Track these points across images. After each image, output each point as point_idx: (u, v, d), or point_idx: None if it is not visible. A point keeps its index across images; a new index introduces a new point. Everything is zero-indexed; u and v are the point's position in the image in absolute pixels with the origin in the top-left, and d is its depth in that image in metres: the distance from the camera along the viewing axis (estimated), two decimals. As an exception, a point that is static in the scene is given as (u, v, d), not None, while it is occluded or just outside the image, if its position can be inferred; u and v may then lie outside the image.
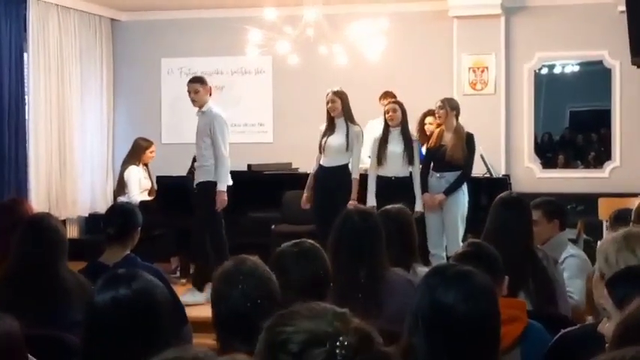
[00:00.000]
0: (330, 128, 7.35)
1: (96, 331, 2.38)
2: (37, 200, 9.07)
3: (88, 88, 10.30)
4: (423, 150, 7.54)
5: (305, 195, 7.50)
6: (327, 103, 7.33)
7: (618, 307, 2.21)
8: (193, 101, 7.37)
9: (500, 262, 3.06)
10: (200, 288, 7.06)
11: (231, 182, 7.42)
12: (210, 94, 7.48)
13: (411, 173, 7.27)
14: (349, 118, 7.34)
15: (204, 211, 7.27)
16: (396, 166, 7.26)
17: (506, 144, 9.80)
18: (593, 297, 3.97)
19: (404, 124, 7.35)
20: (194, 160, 8.96)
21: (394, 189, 7.02)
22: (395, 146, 7.28)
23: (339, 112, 7.30)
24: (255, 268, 2.67)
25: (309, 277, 3.04)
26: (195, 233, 7.35)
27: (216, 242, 7.24)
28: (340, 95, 7.32)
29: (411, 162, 7.25)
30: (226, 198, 7.26)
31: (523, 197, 4.41)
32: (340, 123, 7.33)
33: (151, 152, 8.87)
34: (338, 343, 1.48)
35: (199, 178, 7.38)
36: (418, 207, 7.11)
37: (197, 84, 7.36)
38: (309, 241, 3.25)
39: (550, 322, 3.10)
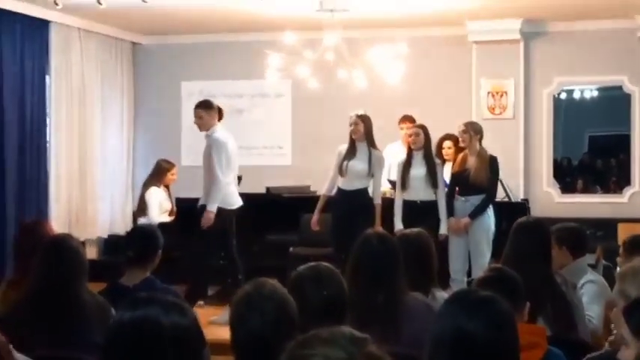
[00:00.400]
0: (352, 151, 7.37)
1: (114, 353, 2.37)
2: (57, 221, 9.11)
3: (109, 110, 10.38)
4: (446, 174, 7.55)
5: (315, 217, 7.51)
6: (350, 125, 7.36)
7: (635, 336, 2.21)
8: (198, 126, 7.47)
9: (521, 288, 3.05)
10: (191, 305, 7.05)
11: (237, 204, 7.50)
12: (220, 118, 7.55)
13: (436, 197, 7.27)
14: (371, 142, 7.36)
15: (206, 234, 7.30)
16: (419, 190, 7.27)
17: (525, 168, 9.78)
18: (610, 322, 3.97)
19: (427, 148, 7.37)
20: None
21: (419, 213, 7.04)
22: (418, 170, 7.29)
23: (361, 135, 7.33)
24: (274, 291, 2.66)
25: (325, 300, 3.04)
26: (193, 253, 7.40)
27: (228, 261, 7.36)
28: (364, 119, 7.36)
29: (434, 185, 7.25)
30: (212, 218, 7.26)
31: (541, 221, 4.40)
32: (362, 147, 7.35)
33: (172, 174, 8.92)
34: None
35: (202, 200, 7.45)
36: (443, 230, 7.13)
37: (200, 109, 7.45)
38: (325, 263, 3.25)
39: (570, 348, 3.09)
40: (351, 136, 7.39)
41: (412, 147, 7.36)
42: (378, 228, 6.93)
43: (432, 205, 7.23)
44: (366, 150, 7.33)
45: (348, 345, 1.55)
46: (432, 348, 2.20)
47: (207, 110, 7.46)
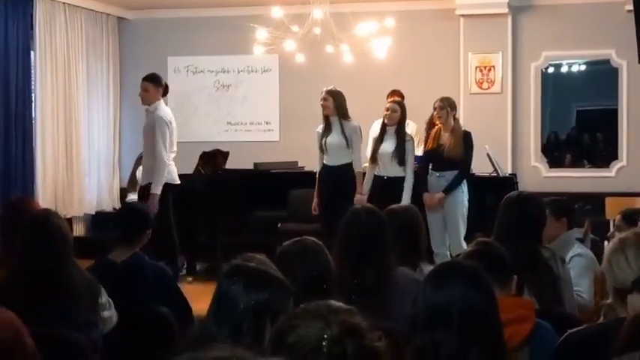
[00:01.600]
0: (327, 128, 7.39)
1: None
2: (44, 198, 9.08)
3: (95, 86, 10.32)
4: (420, 152, 7.55)
5: (315, 200, 7.49)
6: (320, 101, 7.36)
7: None
8: (142, 99, 7.30)
9: (508, 261, 3.05)
10: None
11: (175, 182, 7.28)
12: (164, 95, 7.40)
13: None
14: (342, 115, 7.34)
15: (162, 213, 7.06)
16: (387, 166, 7.28)
17: (512, 143, 9.79)
18: (600, 296, 3.98)
19: (400, 124, 7.35)
20: (200, 158, 9.00)
21: (386, 188, 7.05)
22: (388, 145, 7.29)
23: (332, 110, 7.33)
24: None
25: (311, 274, 3.04)
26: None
27: (165, 245, 6.94)
28: (333, 94, 7.34)
29: (401, 163, 7.24)
30: (156, 202, 7.01)
31: (532, 195, 4.40)
32: (335, 121, 7.35)
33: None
34: (326, 336, 1.58)
35: (146, 179, 7.25)
36: (404, 202, 7.10)
37: (148, 82, 7.29)
38: (311, 238, 3.25)
39: (557, 322, 3.09)
40: (323, 113, 7.37)
41: (386, 122, 7.35)
42: (359, 196, 7.01)
43: (398, 181, 7.22)
44: (338, 124, 7.32)
45: (328, 315, 1.63)
46: (431, 318, 2.22)
47: (155, 84, 7.29)
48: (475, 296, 2.24)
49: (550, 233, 4.47)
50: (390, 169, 7.28)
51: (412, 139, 7.47)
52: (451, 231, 7.14)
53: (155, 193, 7.05)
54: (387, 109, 7.38)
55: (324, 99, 7.34)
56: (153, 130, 7.16)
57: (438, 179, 7.20)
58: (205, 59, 10.62)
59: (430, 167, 7.29)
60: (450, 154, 7.11)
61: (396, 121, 7.32)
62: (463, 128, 7.30)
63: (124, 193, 9.69)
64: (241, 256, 2.73)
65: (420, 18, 9.90)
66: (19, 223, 3.95)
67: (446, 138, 7.17)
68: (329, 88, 7.42)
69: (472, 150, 7.28)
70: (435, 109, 7.22)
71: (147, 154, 7.30)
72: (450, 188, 7.11)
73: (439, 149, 7.17)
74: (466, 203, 7.17)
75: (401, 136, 7.30)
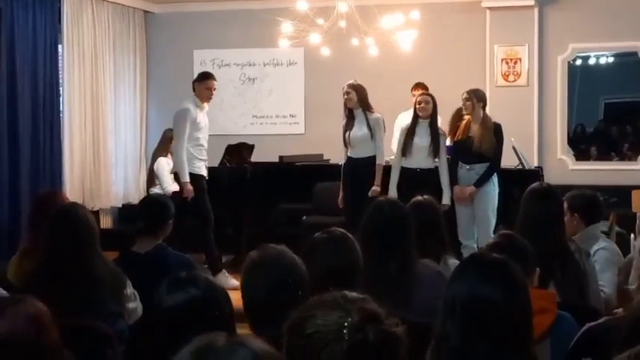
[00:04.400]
0: (350, 121, 7.41)
1: (167, 332, 2.36)
2: (72, 191, 9.16)
3: (122, 79, 10.39)
4: (448, 142, 7.51)
5: (341, 194, 7.50)
6: (344, 95, 7.37)
7: None
8: (208, 98, 7.65)
9: (530, 254, 3.05)
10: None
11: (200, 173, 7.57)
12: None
13: (437, 166, 7.24)
14: (366, 107, 7.37)
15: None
16: (421, 158, 7.24)
17: (539, 136, 9.73)
18: (622, 289, 3.96)
19: (433, 117, 7.32)
20: (226, 151, 9.03)
21: (419, 180, 7.02)
22: (422, 138, 7.25)
23: (355, 102, 7.35)
24: (279, 256, 2.67)
25: (340, 265, 3.06)
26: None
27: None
28: (355, 87, 7.38)
29: (436, 154, 7.22)
30: (190, 188, 7.43)
31: (554, 188, 4.38)
32: (359, 114, 7.37)
33: (180, 144, 8.91)
34: (346, 324, 1.59)
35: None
36: (446, 200, 7.09)
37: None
38: (340, 229, 3.26)
39: (580, 314, 3.09)
40: (346, 106, 7.39)
41: (420, 114, 7.30)
42: (377, 188, 7.02)
43: (431, 173, 7.20)
44: (363, 116, 7.35)
45: (345, 303, 1.63)
46: (444, 312, 2.21)
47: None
48: (482, 288, 2.19)
49: (567, 228, 4.42)
50: (422, 161, 7.25)
51: (444, 132, 7.44)
52: (480, 224, 7.08)
53: (183, 180, 7.41)
54: (420, 102, 7.34)
55: (347, 92, 7.37)
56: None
57: (468, 172, 7.15)
58: (231, 52, 10.66)
59: (459, 159, 7.26)
60: (480, 146, 7.06)
61: (429, 114, 7.28)
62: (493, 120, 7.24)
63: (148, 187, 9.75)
64: (260, 246, 2.75)
65: (446, 10, 9.86)
66: (47, 215, 4.00)
67: (475, 130, 7.13)
68: (350, 82, 7.43)
69: (502, 143, 7.24)
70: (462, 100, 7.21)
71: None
72: (482, 181, 7.07)
73: (468, 141, 7.12)
74: (497, 196, 7.12)
75: (434, 129, 7.28)
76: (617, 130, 10.25)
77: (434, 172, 7.22)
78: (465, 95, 7.17)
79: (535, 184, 4.44)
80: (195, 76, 8.05)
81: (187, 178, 7.40)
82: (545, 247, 3.75)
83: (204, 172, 7.64)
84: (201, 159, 7.58)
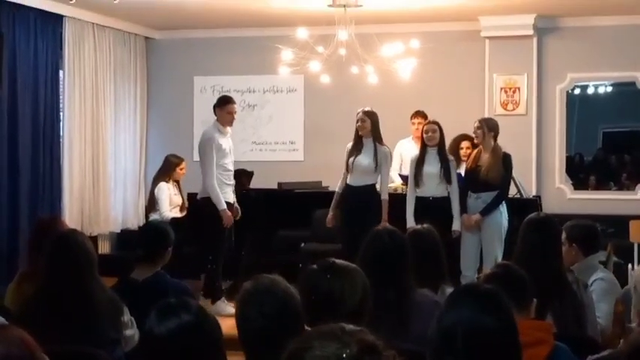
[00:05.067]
0: (358, 148, 7.38)
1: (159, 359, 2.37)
2: (71, 216, 9.16)
3: (122, 105, 10.42)
4: (460, 171, 7.53)
5: (330, 214, 7.53)
6: (357, 121, 7.36)
7: None
8: (230, 123, 7.68)
9: (528, 285, 3.05)
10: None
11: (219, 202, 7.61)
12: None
13: (449, 193, 7.26)
14: (377, 138, 7.36)
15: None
16: (432, 187, 7.25)
17: (537, 164, 9.76)
18: (620, 320, 3.95)
19: (441, 144, 7.34)
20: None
21: (431, 209, 7.03)
22: (432, 166, 7.26)
23: (368, 131, 7.34)
24: (272, 286, 2.67)
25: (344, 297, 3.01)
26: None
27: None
28: (370, 115, 7.36)
29: (448, 181, 7.23)
30: (229, 215, 7.56)
31: (551, 218, 4.39)
32: (368, 143, 7.35)
33: (181, 169, 8.95)
34: (345, 355, 1.57)
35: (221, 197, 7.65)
36: (456, 227, 7.11)
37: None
38: (346, 262, 3.19)
39: (578, 345, 3.09)
40: (357, 132, 7.39)
41: (427, 143, 7.32)
42: (385, 223, 6.96)
43: (443, 202, 7.21)
44: (372, 146, 7.34)
45: (343, 335, 1.62)
46: (440, 340, 2.22)
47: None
48: (484, 318, 2.22)
49: (565, 258, 4.43)
50: (434, 189, 7.26)
51: (453, 159, 7.46)
52: (487, 253, 7.07)
53: (221, 208, 7.51)
54: (427, 131, 7.35)
55: (362, 120, 7.34)
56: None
57: (475, 201, 7.17)
58: (231, 79, 10.70)
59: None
60: (487, 174, 7.08)
61: (436, 142, 7.30)
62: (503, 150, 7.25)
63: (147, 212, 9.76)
64: (253, 277, 2.75)
65: (445, 39, 9.92)
66: (47, 241, 4.00)
67: (485, 159, 7.14)
68: (366, 109, 7.41)
69: (511, 172, 7.26)
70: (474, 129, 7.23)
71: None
72: (488, 210, 7.07)
73: (477, 170, 7.15)
74: (506, 225, 7.09)
75: (444, 157, 7.30)
76: (615, 159, 10.28)
77: (446, 199, 7.23)
78: (477, 124, 7.19)
79: (532, 215, 4.44)
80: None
81: (224, 206, 7.46)
82: (543, 277, 3.75)
83: (231, 199, 7.71)
84: (228, 184, 7.66)
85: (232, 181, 7.72)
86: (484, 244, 7.11)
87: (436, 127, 7.34)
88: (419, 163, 7.31)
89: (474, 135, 7.25)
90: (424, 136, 7.36)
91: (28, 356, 2.01)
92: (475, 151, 7.31)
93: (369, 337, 1.65)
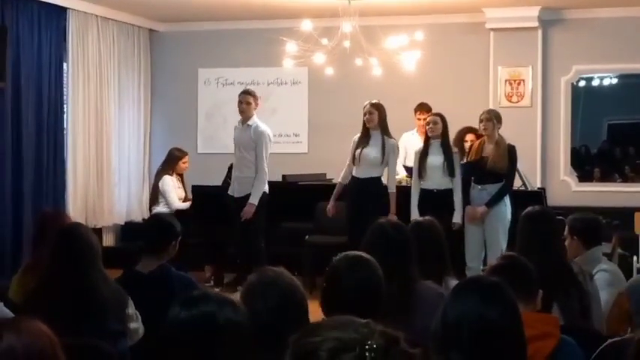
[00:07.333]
0: (365, 139, 7.36)
1: (176, 345, 2.33)
2: (75, 208, 9.17)
3: (126, 97, 10.41)
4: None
5: (331, 203, 7.53)
6: (365, 114, 7.34)
7: None
8: (242, 112, 7.65)
9: (533, 276, 3.04)
10: None
11: (266, 189, 7.75)
12: (256, 108, 7.86)
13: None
14: (385, 130, 7.34)
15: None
16: (436, 179, 7.23)
17: (542, 157, 9.74)
18: (619, 310, 3.95)
19: (444, 136, 7.32)
20: (229, 169, 9.04)
21: (435, 201, 7.02)
22: (435, 158, 7.24)
23: (375, 124, 7.32)
24: (277, 279, 2.66)
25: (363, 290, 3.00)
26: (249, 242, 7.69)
27: (254, 251, 7.55)
28: (378, 107, 7.34)
29: (451, 174, 7.20)
30: (252, 210, 7.60)
31: (548, 210, 4.39)
32: (375, 135, 7.33)
33: (184, 162, 8.95)
34: (367, 347, 1.51)
35: (245, 190, 7.67)
36: (456, 219, 7.09)
37: (250, 96, 7.77)
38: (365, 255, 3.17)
39: (583, 338, 3.08)
40: (364, 125, 7.37)
41: (430, 135, 7.30)
42: (393, 216, 6.93)
43: (447, 194, 7.20)
44: (379, 138, 7.32)
45: (359, 327, 1.56)
46: (445, 333, 2.21)
47: (255, 99, 7.82)
48: (489, 311, 2.21)
49: (569, 250, 4.43)
50: (438, 181, 7.24)
51: (457, 151, 7.44)
52: (490, 245, 7.05)
53: (254, 203, 7.59)
54: (428, 123, 7.34)
55: (370, 112, 7.33)
56: (255, 143, 7.68)
57: (479, 192, 7.14)
58: (236, 71, 10.69)
59: (472, 180, 7.25)
60: (493, 166, 7.05)
61: (439, 133, 7.28)
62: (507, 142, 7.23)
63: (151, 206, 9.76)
64: (257, 270, 2.74)
65: (450, 31, 9.89)
66: (51, 234, 4.00)
67: (490, 150, 7.12)
68: (373, 101, 7.41)
69: (516, 164, 7.24)
70: (481, 120, 7.18)
71: (242, 165, 7.77)
72: (493, 202, 7.05)
73: (482, 161, 7.12)
74: (509, 217, 7.06)
75: (448, 149, 7.28)
76: (620, 151, 10.25)
77: (450, 192, 7.21)
78: (486, 115, 7.16)
79: (529, 208, 4.44)
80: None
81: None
82: (547, 269, 3.74)
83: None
84: None
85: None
86: (488, 236, 7.09)
87: (438, 118, 7.32)
88: (423, 155, 7.30)
89: (481, 126, 7.20)
90: (426, 127, 7.36)
91: (49, 347, 2.03)
92: (478, 142, 7.27)
93: (390, 330, 1.61)
